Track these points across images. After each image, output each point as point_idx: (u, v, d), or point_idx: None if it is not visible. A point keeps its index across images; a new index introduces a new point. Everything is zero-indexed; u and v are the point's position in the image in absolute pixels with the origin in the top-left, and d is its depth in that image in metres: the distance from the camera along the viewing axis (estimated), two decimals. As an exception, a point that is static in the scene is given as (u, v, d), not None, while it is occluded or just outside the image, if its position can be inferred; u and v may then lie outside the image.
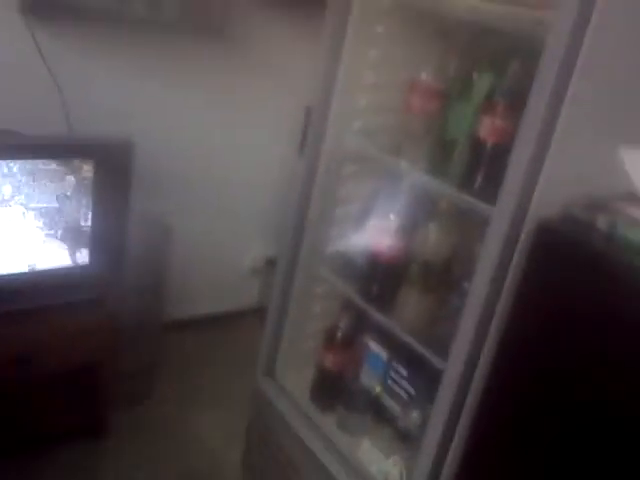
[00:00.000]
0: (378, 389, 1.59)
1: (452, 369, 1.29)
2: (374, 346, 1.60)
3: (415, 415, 1.48)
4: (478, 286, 1.23)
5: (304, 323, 1.89)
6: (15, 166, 1.72)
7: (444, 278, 1.47)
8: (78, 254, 1.91)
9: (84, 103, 2.08)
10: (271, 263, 2.76)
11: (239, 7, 2.26)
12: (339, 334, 1.71)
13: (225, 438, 2.20)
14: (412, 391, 1.49)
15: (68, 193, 1.83)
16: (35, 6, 1.91)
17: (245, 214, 2.70)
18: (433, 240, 1.46)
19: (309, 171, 1.68)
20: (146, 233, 2.14)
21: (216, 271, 2.70)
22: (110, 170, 1.84)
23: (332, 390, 1.73)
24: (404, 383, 1.51)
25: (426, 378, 1.43)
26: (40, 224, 1.81)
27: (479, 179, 1.32)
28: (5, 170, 1.71)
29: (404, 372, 1.51)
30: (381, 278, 1.59)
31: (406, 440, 1.54)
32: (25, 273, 1.84)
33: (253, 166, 2.61)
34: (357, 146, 1.65)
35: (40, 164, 1.76)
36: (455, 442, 1.29)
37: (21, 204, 1.76)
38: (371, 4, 1.52)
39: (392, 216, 1.57)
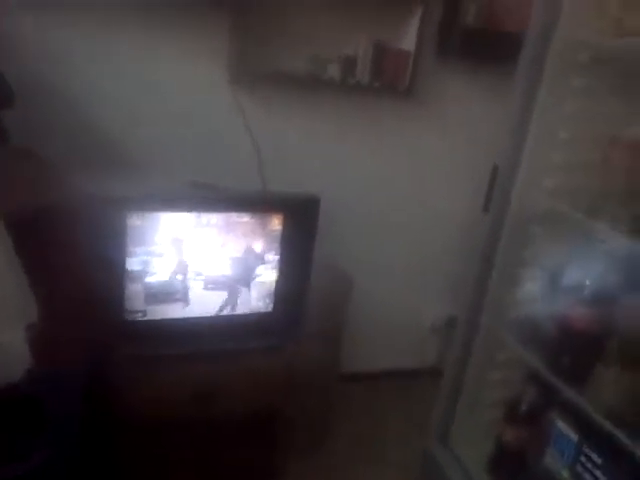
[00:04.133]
0: (565, 474, 1.42)
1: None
2: (562, 426, 1.44)
3: (610, 513, 1.29)
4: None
5: (483, 391, 1.78)
6: (213, 218, 1.87)
7: (650, 356, 1.29)
8: (262, 302, 2.01)
9: (278, 160, 2.24)
10: (452, 323, 2.66)
11: (426, 68, 2.30)
12: (522, 407, 1.58)
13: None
14: (608, 483, 1.31)
15: (257, 244, 1.94)
16: (241, 76, 2.12)
17: (427, 270, 2.66)
18: (637, 311, 1.30)
19: (494, 230, 1.62)
20: (328, 283, 2.19)
21: (395, 327, 2.68)
22: (297, 223, 1.93)
23: (511, 467, 1.60)
24: (598, 473, 1.33)
25: (626, 470, 1.24)
26: (229, 272, 1.94)
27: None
28: (204, 221, 1.87)
29: (598, 460, 1.33)
30: (574, 350, 1.45)
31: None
32: (213, 317, 1.97)
33: (436, 222, 2.59)
34: (548, 205, 1.55)
35: (235, 217, 1.90)
36: None
37: (215, 253, 1.91)
38: (568, 58, 1.44)
39: (588, 282, 1.43)
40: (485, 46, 2.23)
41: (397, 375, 2.74)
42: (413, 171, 2.49)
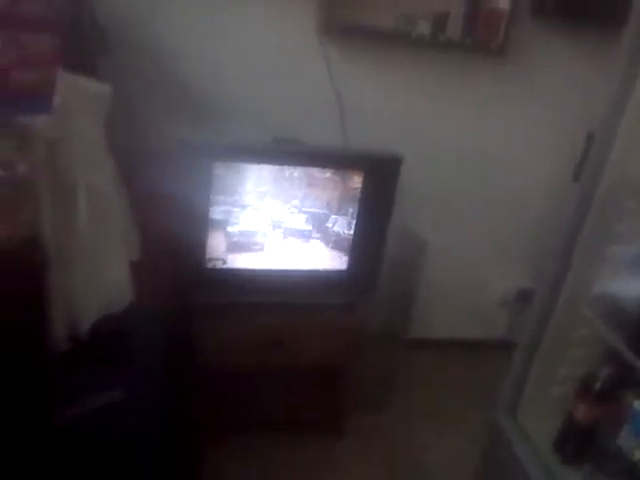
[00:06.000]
0: (638, 455, 1.38)
1: None
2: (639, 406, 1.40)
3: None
4: None
5: (556, 366, 1.73)
6: (296, 172, 1.89)
7: None
8: (338, 259, 2.03)
9: (362, 117, 2.23)
10: (523, 296, 2.61)
11: (521, 28, 2.20)
12: (597, 385, 1.53)
13: (450, 464, 2.15)
14: (684, 469, 1.27)
15: (337, 200, 1.95)
16: (330, 28, 2.09)
17: (503, 240, 2.61)
18: None
19: (584, 201, 1.54)
20: (402, 247, 2.18)
21: (465, 296, 2.66)
22: (378, 182, 1.92)
23: (581, 444, 1.57)
24: (674, 456, 1.29)
25: None
26: (309, 227, 1.97)
27: None
28: (287, 174, 1.89)
29: (675, 444, 1.29)
30: (658, 331, 1.39)
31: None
32: (290, 270, 2.02)
33: (519, 190, 2.51)
34: (646, 177, 1.46)
35: (316, 172, 1.91)
36: None
37: (295, 207, 1.94)
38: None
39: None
40: (584, 7, 2.10)
41: (464, 345, 2.72)
42: (500, 135, 2.41)
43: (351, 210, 1.96)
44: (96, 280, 1.20)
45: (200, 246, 1.88)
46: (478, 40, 2.17)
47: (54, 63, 0.99)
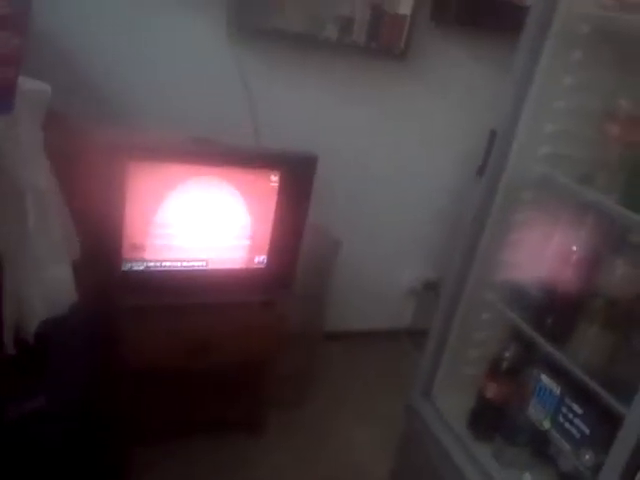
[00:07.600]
0: (547, 425, 1.52)
1: (634, 416, 1.21)
2: (545, 380, 1.53)
3: (588, 457, 1.39)
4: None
5: (465, 348, 1.86)
6: (212, 172, 1.89)
7: (630, 316, 1.38)
8: (256, 257, 2.05)
9: (272, 118, 2.26)
10: (429, 286, 2.75)
11: (422, 34, 2.33)
12: (504, 364, 1.67)
13: (371, 451, 2.23)
14: (587, 431, 1.40)
15: (254, 200, 1.97)
16: (240, 30, 2.12)
17: (411, 235, 2.74)
18: (621, 274, 1.38)
19: (488, 194, 1.67)
20: (316, 243, 2.24)
21: (375, 288, 2.75)
22: (294, 181, 1.96)
23: (492, 420, 1.69)
24: (578, 422, 1.43)
25: (604, 419, 1.34)
26: (225, 227, 1.98)
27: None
28: (203, 175, 1.89)
29: (579, 410, 1.43)
30: (557, 310, 1.53)
31: (573, 480, 1.46)
32: (207, 269, 2.01)
33: (424, 187, 2.65)
34: (541, 173, 1.61)
35: (233, 171, 1.92)
36: (633, 492, 1.20)
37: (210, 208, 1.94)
38: (571, 29, 1.49)
39: (574, 247, 1.51)
40: (480, 14, 2.27)
41: (376, 335, 2.82)
42: (405, 135, 2.53)
43: (268, 209, 1.98)
44: (44, 281, 1.18)
45: (116, 248, 1.84)
46: (382, 44, 2.29)
47: (16, 63, 0.97)
